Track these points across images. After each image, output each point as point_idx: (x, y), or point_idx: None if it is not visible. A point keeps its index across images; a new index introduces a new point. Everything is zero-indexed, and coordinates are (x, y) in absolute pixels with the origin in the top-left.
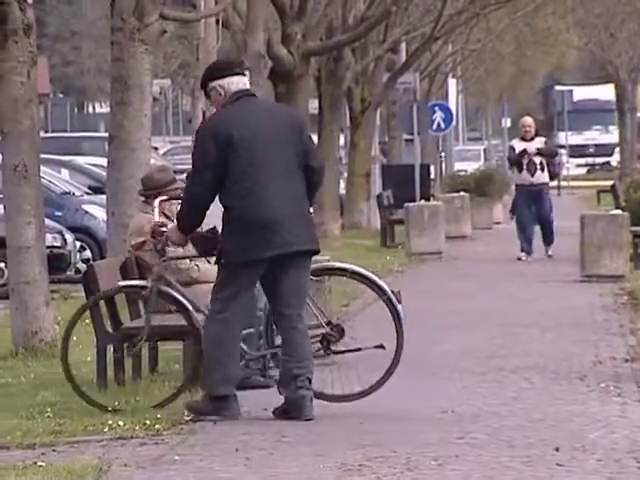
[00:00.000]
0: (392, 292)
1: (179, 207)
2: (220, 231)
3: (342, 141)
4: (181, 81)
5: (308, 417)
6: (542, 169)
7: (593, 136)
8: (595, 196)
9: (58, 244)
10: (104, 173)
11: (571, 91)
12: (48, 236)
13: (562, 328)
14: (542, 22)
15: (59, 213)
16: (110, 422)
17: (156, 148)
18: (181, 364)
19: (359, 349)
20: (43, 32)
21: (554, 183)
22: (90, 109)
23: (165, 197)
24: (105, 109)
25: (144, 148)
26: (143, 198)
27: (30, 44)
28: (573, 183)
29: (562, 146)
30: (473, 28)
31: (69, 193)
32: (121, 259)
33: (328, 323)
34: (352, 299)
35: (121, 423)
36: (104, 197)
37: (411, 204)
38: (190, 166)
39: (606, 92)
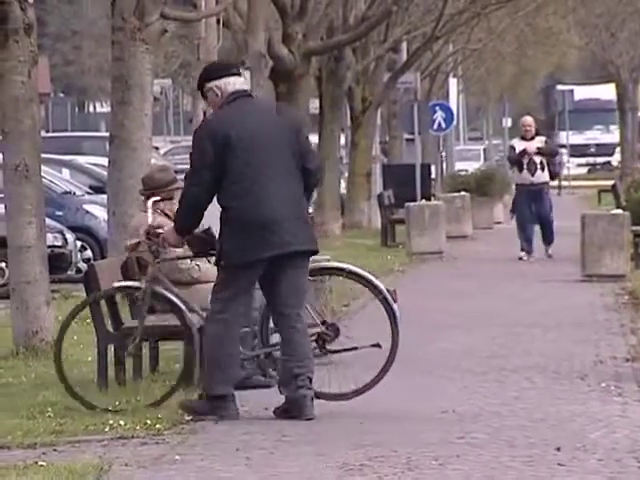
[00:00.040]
0: (388, 291)
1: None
2: (217, 232)
3: (343, 141)
4: (182, 81)
5: (309, 417)
6: (542, 169)
7: (594, 136)
8: (596, 196)
9: (59, 244)
10: (105, 173)
11: (572, 91)
12: (49, 236)
13: (563, 328)
14: (543, 22)
15: (60, 213)
16: (111, 422)
17: (157, 148)
18: (181, 364)
19: (355, 348)
20: (44, 31)
21: (555, 183)
22: (91, 109)
23: (158, 198)
24: (106, 109)
25: (145, 148)
26: (144, 198)
27: (31, 43)
28: (574, 183)
29: (563, 146)
30: (474, 28)
31: (70, 193)
32: (122, 259)
33: (323, 322)
34: (352, 299)
35: (122, 423)
36: (105, 197)
37: (412, 204)
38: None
39: (607, 92)
